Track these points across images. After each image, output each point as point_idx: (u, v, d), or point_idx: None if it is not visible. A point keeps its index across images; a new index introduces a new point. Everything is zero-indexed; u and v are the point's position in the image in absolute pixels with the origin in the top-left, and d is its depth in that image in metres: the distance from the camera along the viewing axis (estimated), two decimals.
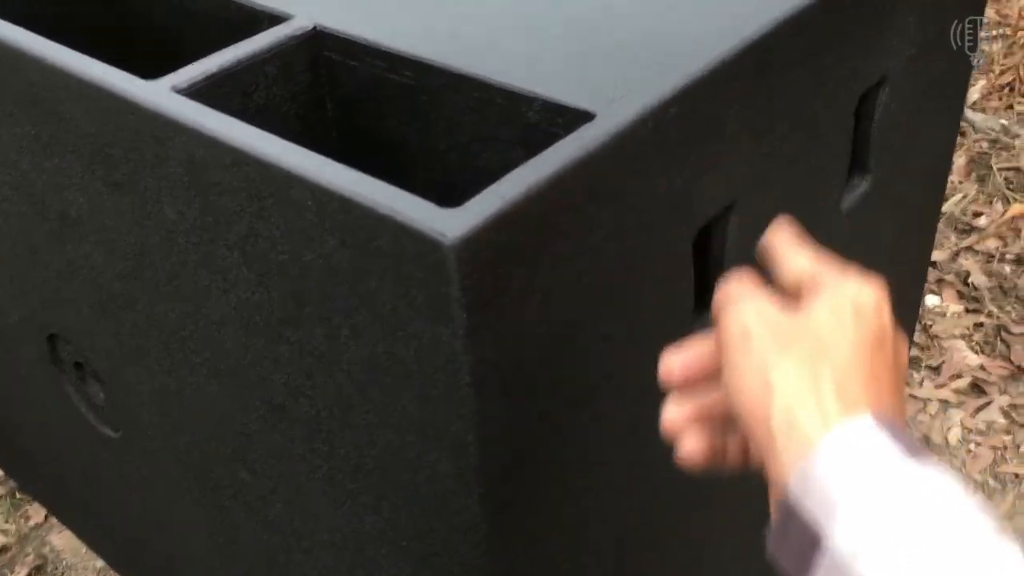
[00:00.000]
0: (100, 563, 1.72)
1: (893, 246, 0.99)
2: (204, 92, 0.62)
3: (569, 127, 0.54)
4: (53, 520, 1.81)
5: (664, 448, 0.50)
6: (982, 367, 1.94)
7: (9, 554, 1.76)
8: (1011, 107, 2.51)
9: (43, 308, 0.93)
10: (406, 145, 0.62)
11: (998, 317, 2.01)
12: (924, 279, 1.12)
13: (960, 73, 0.95)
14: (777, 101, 0.67)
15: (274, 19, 0.70)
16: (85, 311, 0.86)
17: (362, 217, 0.51)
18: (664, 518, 0.77)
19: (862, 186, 0.87)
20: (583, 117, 0.56)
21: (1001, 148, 2.40)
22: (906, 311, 1.11)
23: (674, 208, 0.61)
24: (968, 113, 2.52)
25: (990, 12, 3.13)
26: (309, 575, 0.81)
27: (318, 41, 0.69)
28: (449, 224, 0.47)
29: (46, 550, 1.76)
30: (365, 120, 0.68)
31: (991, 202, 2.27)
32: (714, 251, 0.70)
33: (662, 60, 0.61)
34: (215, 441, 0.79)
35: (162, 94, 0.61)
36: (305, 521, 0.75)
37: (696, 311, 0.70)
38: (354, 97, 0.69)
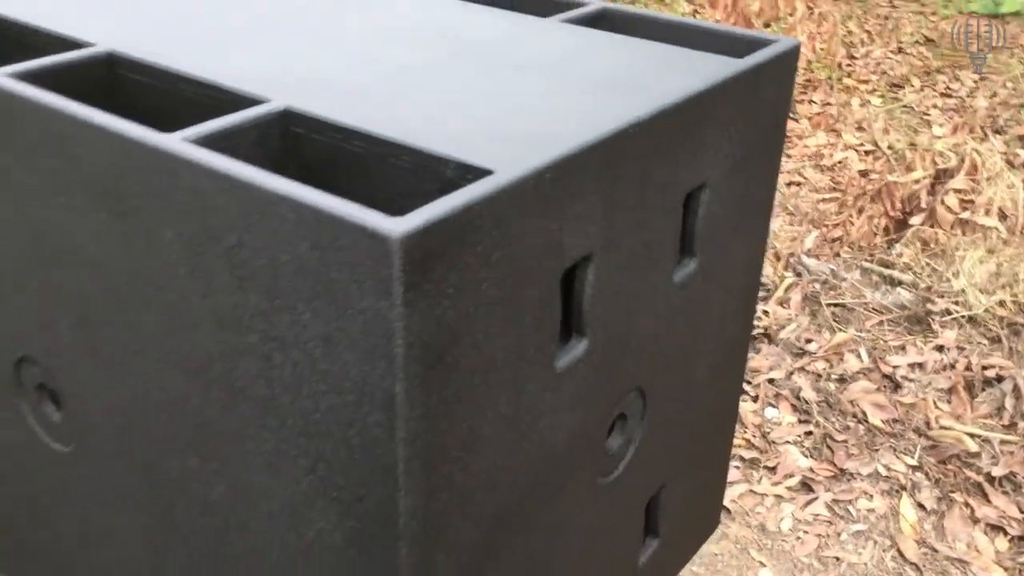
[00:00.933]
0: None
1: (720, 319, 1.26)
2: (205, 144, 0.84)
3: (475, 180, 0.79)
4: None
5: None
6: (811, 469, 2.22)
7: None
8: (838, 255, 2.91)
9: (15, 333, 1.10)
10: (352, 196, 0.85)
11: (824, 427, 2.31)
12: (746, 349, 1.39)
13: (767, 189, 1.25)
14: (620, 184, 0.94)
15: (255, 101, 0.94)
16: (62, 331, 1.03)
17: (331, 223, 0.73)
18: (549, 470, 0.98)
19: (691, 266, 1.14)
20: (485, 173, 0.81)
21: (830, 288, 2.77)
22: (731, 376, 1.37)
23: (548, 246, 0.86)
24: (803, 258, 2.91)
25: (825, 179, 3.61)
26: (240, 551, 0.98)
27: (287, 118, 0.93)
28: (394, 226, 0.70)
29: None
30: (321, 177, 0.91)
31: (820, 331, 2.61)
32: (576, 290, 0.95)
33: (542, 139, 0.86)
34: (171, 435, 0.97)
35: (175, 142, 0.83)
36: (245, 496, 0.93)
37: (562, 333, 0.94)
38: (314, 160, 0.92)
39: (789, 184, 3.59)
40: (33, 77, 0.99)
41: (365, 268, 0.73)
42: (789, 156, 3.82)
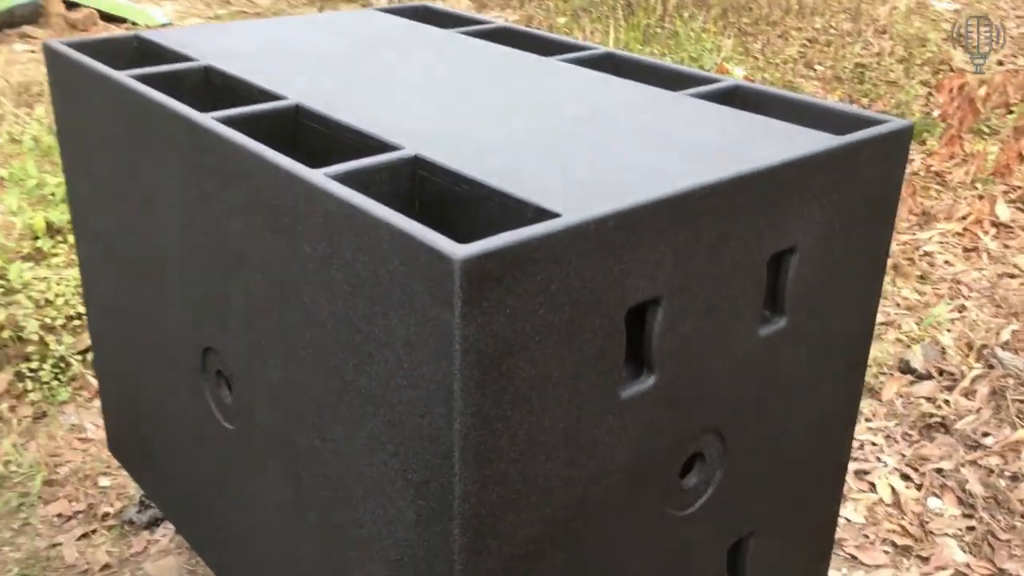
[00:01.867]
0: None
1: (816, 381, 1.32)
2: (342, 179, 1.05)
3: (545, 221, 0.94)
4: (150, 549, 2.19)
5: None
6: (967, 564, 2.15)
7: (110, 570, 2.13)
8: None
9: (203, 327, 1.35)
10: (458, 229, 1.02)
11: (988, 524, 2.23)
12: (854, 417, 1.43)
13: (872, 262, 1.31)
14: (693, 238, 1.05)
15: (392, 148, 1.14)
16: (233, 326, 1.27)
17: (413, 245, 0.90)
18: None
19: (779, 323, 1.22)
20: (554, 216, 0.96)
21: (1020, 384, 2.66)
22: (834, 441, 1.42)
23: (611, 284, 0.99)
24: (997, 351, 2.80)
25: None
26: (343, 522, 1.15)
27: (415, 163, 1.12)
28: (457, 250, 0.87)
29: (140, 573, 2.12)
30: (439, 212, 1.09)
31: (1001, 426, 2.51)
32: (646, 329, 1.07)
33: (618, 192, 1.00)
34: (302, 417, 1.17)
35: (317, 176, 1.04)
36: (350, 474, 1.11)
37: (627, 367, 1.06)
38: (434, 197, 1.11)
39: (1002, 276, 3.44)
40: (234, 121, 1.24)
41: (435, 282, 0.89)
42: (1008, 247, 3.66)
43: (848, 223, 1.24)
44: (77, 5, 4.85)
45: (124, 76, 1.37)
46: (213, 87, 1.45)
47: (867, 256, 1.30)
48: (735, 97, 1.43)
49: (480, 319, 0.90)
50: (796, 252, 1.19)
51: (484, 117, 1.28)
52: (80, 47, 1.54)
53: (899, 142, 1.26)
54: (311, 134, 1.28)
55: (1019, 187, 4.13)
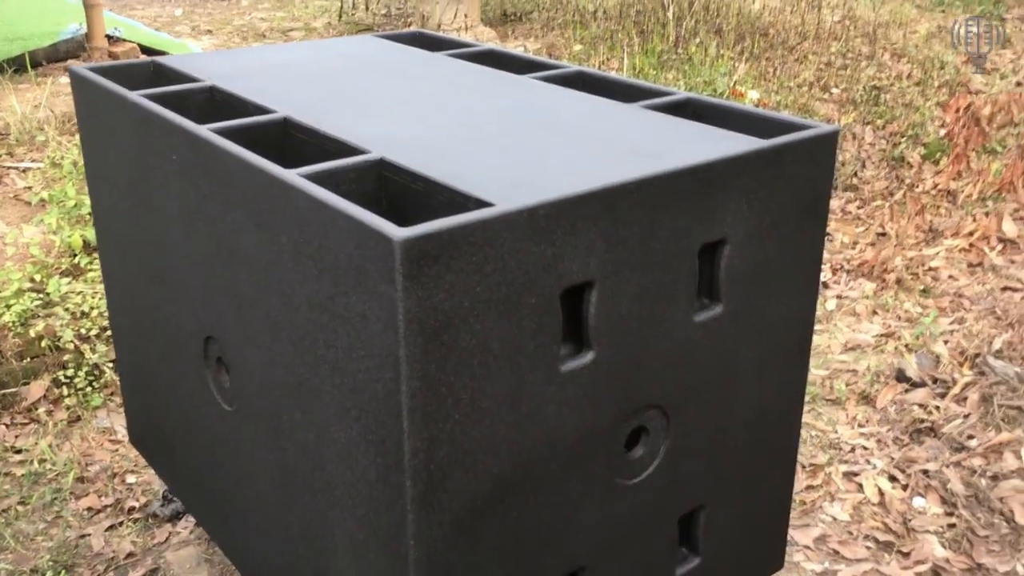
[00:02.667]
0: (200, 574, 2.22)
1: (759, 366, 1.44)
2: (313, 178, 1.20)
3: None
4: (172, 540, 2.35)
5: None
6: (946, 560, 2.23)
7: (133, 559, 2.29)
8: None
9: (204, 318, 1.51)
10: (416, 221, 1.16)
11: (968, 521, 2.31)
12: (800, 403, 1.54)
13: (808, 257, 1.43)
14: (623, 227, 1.19)
15: (361, 152, 1.29)
16: (228, 315, 1.42)
17: (364, 230, 1.05)
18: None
19: (716, 309, 1.34)
20: (489, 205, 1.10)
21: (1009, 390, 2.73)
22: (783, 424, 1.53)
23: (544, 267, 1.13)
24: (989, 359, 2.88)
25: None
26: (321, 486, 1.29)
27: (381, 165, 1.27)
28: (397, 232, 1.01)
29: (161, 560, 2.28)
30: (400, 208, 1.24)
31: (986, 429, 2.59)
32: (583, 309, 1.20)
33: (553, 187, 1.14)
34: (285, 392, 1.32)
35: (291, 175, 1.19)
36: (324, 441, 1.26)
37: (570, 344, 1.20)
38: (395, 194, 1.25)
39: (1004, 289, 3.51)
40: (228, 132, 1.40)
41: (381, 261, 1.04)
42: (1013, 261, 3.73)
43: (778, 219, 1.36)
44: (120, 40, 5.11)
45: (137, 95, 1.54)
46: (216, 104, 1.62)
47: (801, 250, 1.42)
48: (686, 108, 1.57)
49: (420, 293, 1.04)
50: (727, 244, 1.32)
51: (448, 126, 1.43)
52: (102, 71, 1.72)
53: (826, 146, 1.38)
54: (297, 143, 1.44)
55: None
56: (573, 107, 1.54)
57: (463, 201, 1.15)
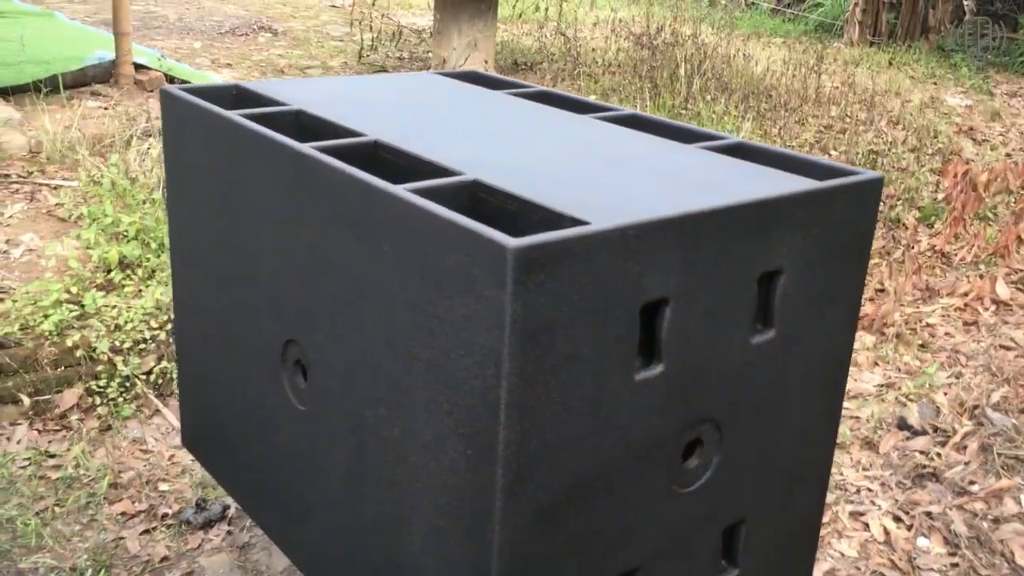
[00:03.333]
0: None
1: (804, 390, 1.56)
2: (416, 192, 1.32)
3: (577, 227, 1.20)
4: (205, 546, 2.42)
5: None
6: None
7: (168, 562, 2.36)
8: (1022, 411, 2.99)
9: (287, 323, 1.61)
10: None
11: (971, 560, 2.42)
12: (834, 431, 1.66)
13: (850, 291, 1.56)
14: (696, 251, 1.31)
15: (455, 173, 1.41)
16: (317, 320, 1.53)
17: (475, 238, 1.17)
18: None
19: (769, 333, 1.47)
20: (585, 223, 1.22)
21: (1007, 440, 2.86)
22: (819, 447, 1.65)
23: (629, 282, 1.25)
24: (987, 411, 3.02)
25: None
26: (401, 478, 1.39)
27: (475, 186, 1.39)
28: (510, 241, 1.13)
29: (195, 565, 2.35)
30: (491, 224, 1.36)
31: (987, 476, 2.72)
32: (656, 324, 1.32)
33: (638, 211, 1.26)
34: (370, 391, 1.42)
35: (400, 190, 1.31)
36: (409, 435, 1.36)
37: (641, 356, 1.31)
38: (487, 215, 1.38)
39: (998, 348, 3.66)
40: (326, 151, 1.52)
41: (492, 267, 1.16)
42: (1006, 322, 3.89)
43: (828, 254, 1.49)
44: (145, 68, 5.25)
45: (233, 114, 1.66)
46: (302, 126, 1.74)
47: (846, 284, 1.55)
48: (738, 151, 1.71)
49: (526, 298, 1.16)
50: (783, 273, 1.44)
51: (526, 156, 1.56)
52: (191, 91, 1.84)
53: (871, 190, 1.52)
54: (387, 164, 1.56)
55: (1020, 269, 4.37)
56: (637, 145, 1.67)
57: (558, 220, 1.27)
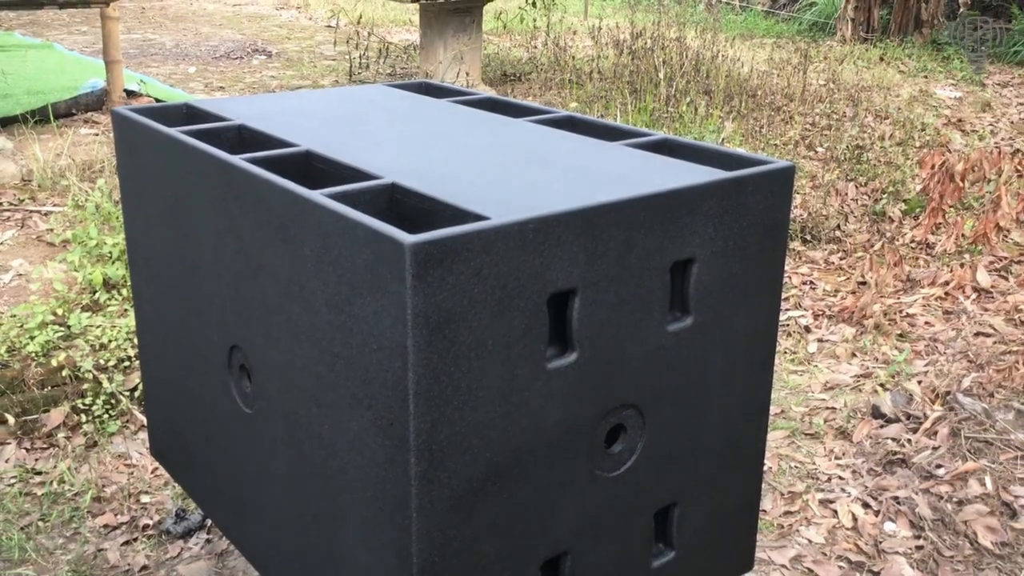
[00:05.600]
0: None
1: (727, 376, 1.61)
2: (335, 198, 1.38)
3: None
4: (184, 555, 2.48)
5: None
6: None
7: (148, 571, 2.43)
8: (993, 395, 3.01)
9: (230, 328, 1.68)
10: (418, 233, 1.34)
11: (935, 543, 2.46)
12: (765, 414, 1.71)
13: (768, 278, 1.61)
14: (601, 243, 1.37)
15: (375, 177, 1.48)
16: (254, 324, 1.60)
17: (379, 237, 1.23)
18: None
19: (686, 320, 1.52)
20: (485, 219, 1.28)
21: (977, 424, 2.89)
22: (750, 431, 1.69)
23: (532, 274, 1.30)
24: (959, 396, 3.05)
25: (1018, 333, 3.67)
26: (334, 472, 1.45)
27: (392, 189, 1.45)
28: (407, 238, 1.19)
29: (174, 573, 2.42)
30: (407, 223, 1.42)
31: (953, 459, 2.75)
32: (567, 314, 1.37)
33: (541, 206, 1.32)
34: (303, 390, 1.48)
35: (316, 195, 1.38)
36: (337, 430, 1.42)
37: (556, 346, 1.37)
38: (406, 213, 1.44)
39: (977, 335, 3.69)
40: (256, 162, 1.59)
41: (393, 263, 1.22)
42: (986, 309, 3.91)
43: (741, 241, 1.55)
44: (136, 94, 5.36)
45: (175, 131, 1.73)
46: (244, 140, 1.81)
47: (763, 269, 1.60)
48: (662, 147, 1.76)
49: (426, 291, 1.22)
50: (695, 262, 1.50)
51: (449, 158, 1.62)
52: (141, 112, 1.92)
53: (783, 178, 1.57)
54: (317, 172, 1.63)
55: (1003, 256, 4.39)
56: (561, 144, 1.73)
57: (463, 216, 1.33)
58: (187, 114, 2.01)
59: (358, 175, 1.54)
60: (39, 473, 2.79)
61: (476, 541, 1.36)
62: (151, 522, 2.59)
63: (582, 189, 1.46)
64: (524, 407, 1.36)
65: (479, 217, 1.31)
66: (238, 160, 1.56)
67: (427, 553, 1.32)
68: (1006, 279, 4.19)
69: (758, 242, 1.58)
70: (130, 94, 5.32)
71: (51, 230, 3.84)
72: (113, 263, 3.33)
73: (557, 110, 2.04)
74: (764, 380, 1.69)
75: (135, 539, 2.53)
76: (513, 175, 1.54)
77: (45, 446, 2.92)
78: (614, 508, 1.53)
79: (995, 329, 3.72)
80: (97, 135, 4.86)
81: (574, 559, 1.50)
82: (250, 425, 1.69)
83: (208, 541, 2.54)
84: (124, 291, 3.34)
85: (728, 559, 1.77)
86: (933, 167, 4.16)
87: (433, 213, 1.41)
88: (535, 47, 7.32)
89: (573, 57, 6.45)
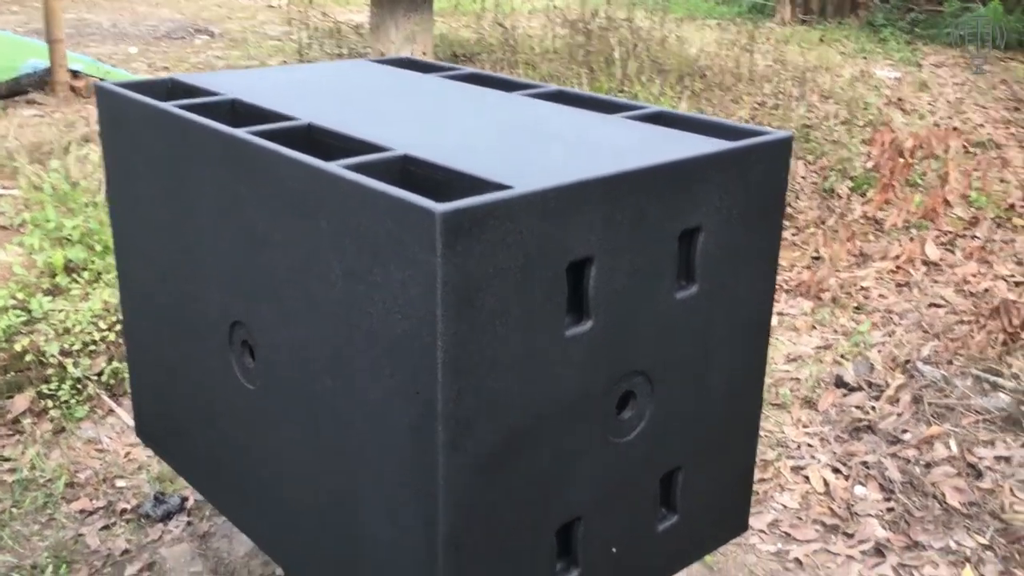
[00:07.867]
0: (195, 568, 2.34)
1: (730, 342, 1.65)
2: (350, 168, 1.38)
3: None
4: (165, 538, 2.46)
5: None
6: (887, 539, 2.46)
7: (129, 555, 2.40)
8: (951, 362, 3.12)
9: (232, 305, 1.67)
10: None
11: (905, 504, 2.54)
12: (762, 373, 1.75)
13: (767, 245, 1.65)
14: (617, 212, 1.39)
15: (385, 149, 1.48)
16: (260, 300, 1.59)
17: (404, 206, 1.23)
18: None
19: (692, 288, 1.55)
20: (508, 188, 1.29)
21: (937, 391, 3.00)
22: (747, 396, 1.74)
23: (553, 242, 1.32)
24: (919, 364, 3.15)
25: (968, 304, 3.79)
26: (354, 446, 1.46)
27: (406, 160, 1.46)
28: (437, 207, 1.20)
29: (157, 556, 2.39)
30: (424, 193, 1.43)
31: (918, 425, 2.84)
32: (584, 281, 1.40)
33: (559, 175, 1.33)
34: (316, 363, 1.48)
35: (334, 167, 1.37)
36: (356, 403, 1.42)
37: (572, 314, 1.39)
38: (420, 184, 1.44)
39: (929, 306, 3.81)
40: (262, 135, 1.57)
41: (422, 233, 1.22)
42: (936, 281, 4.04)
43: (744, 211, 1.58)
44: (81, 74, 5.22)
45: (170, 106, 1.71)
46: (238, 114, 1.79)
47: (763, 239, 1.64)
48: (659, 119, 1.79)
49: (455, 260, 1.23)
50: (702, 231, 1.53)
51: (455, 131, 1.63)
52: (127, 86, 1.88)
53: (782, 149, 1.61)
54: (321, 146, 1.62)
55: (949, 231, 4.53)
56: (560, 116, 1.75)
57: (483, 186, 1.34)
58: (172, 88, 1.97)
59: (366, 147, 1.54)
60: (7, 460, 2.73)
61: (498, 508, 1.38)
62: (129, 506, 2.55)
63: (596, 159, 1.48)
64: (544, 374, 1.38)
65: (500, 186, 1.32)
66: (244, 133, 1.54)
67: (453, 522, 1.34)
68: (952, 252, 4.33)
69: (759, 212, 1.61)
70: (74, 75, 5.19)
71: (3, 213, 3.73)
72: (74, 246, 3.26)
73: (546, 84, 2.05)
74: (761, 347, 1.73)
75: (113, 523, 2.50)
76: (520, 146, 1.55)
77: (11, 432, 2.85)
78: (624, 473, 1.56)
79: (946, 300, 3.85)
80: (43, 116, 4.73)
81: (587, 524, 1.53)
82: (255, 402, 1.68)
83: (189, 523, 2.51)
84: (86, 274, 3.27)
85: (726, 522, 1.82)
86: (883, 144, 4.27)
87: (448, 184, 1.41)
88: (484, 27, 7.31)
89: (529, 36, 6.45)
